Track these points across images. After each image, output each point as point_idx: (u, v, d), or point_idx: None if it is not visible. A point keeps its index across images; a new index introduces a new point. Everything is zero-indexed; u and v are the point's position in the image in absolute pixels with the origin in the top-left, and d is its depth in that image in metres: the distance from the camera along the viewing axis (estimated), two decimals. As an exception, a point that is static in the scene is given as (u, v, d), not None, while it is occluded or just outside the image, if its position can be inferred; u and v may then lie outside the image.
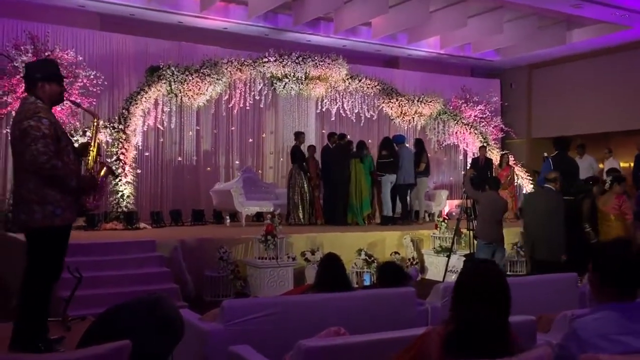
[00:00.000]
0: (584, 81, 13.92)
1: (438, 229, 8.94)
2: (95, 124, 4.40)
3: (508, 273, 8.68)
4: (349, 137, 11.27)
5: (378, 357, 2.51)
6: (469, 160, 13.08)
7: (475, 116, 13.90)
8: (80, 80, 9.64)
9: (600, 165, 12.18)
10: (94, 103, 10.00)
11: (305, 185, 10.00)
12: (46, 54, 9.34)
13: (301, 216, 9.92)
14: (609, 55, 13.40)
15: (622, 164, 12.07)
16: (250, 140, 12.29)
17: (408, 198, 10.80)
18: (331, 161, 10.18)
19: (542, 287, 4.44)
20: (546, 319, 3.56)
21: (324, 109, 11.90)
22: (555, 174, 6.88)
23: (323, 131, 12.68)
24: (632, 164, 11.69)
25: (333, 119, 12.21)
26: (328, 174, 10.17)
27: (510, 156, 12.84)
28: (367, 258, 8.05)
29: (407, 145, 11.04)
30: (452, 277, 7.68)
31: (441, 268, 8.23)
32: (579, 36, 12.78)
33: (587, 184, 8.00)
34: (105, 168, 4.34)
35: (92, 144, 4.26)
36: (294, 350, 2.54)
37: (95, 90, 9.88)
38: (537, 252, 6.74)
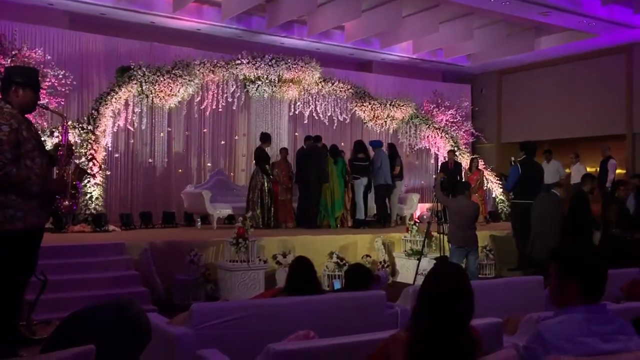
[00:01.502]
0: (552, 87, 14.19)
1: (409, 232, 9.00)
2: (63, 124, 4.36)
3: (478, 276, 8.78)
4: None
5: (347, 360, 2.52)
6: (440, 164, 13.23)
7: (446, 120, 14.07)
8: (48, 79, 9.46)
9: (567, 170, 12.44)
10: (63, 103, 9.84)
11: (267, 188, 9.92)
12: (13, 52, 9.15)
13: (259, 219, 9.67)
14: (576, 62, 13.70)
15: (588, 169, 12.32)
16: (223, 142, 12.21)
17: (387, 201, 10.89)
18: (305, 163, 10.16)
19: (510, 289, 4.51)
20: (513, 321, 3.61)
21: (296, 112, 11.90)
22: (563, 180, 7.37)
23: (296, 134, 12.69)
24: (598, 169, 11.97)
25: (306, 121, 12.21)
26: (302, 176, 10.15)
27: (479, 160, 13.01)
28: (339, 261, 8.06)
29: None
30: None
31: (412, 271, 8.28)
32: (547, 43, 13.04)
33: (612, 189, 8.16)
34: (79, 170, 4.30)
35: (62, 145, 4.21)
36: (263, 354, 2.53)
37: (64, 90, 9.71)
38: (535, 252, 7.04)
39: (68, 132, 4.41)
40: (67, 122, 4.41)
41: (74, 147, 4.50)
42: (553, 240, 7.01)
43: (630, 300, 4.01)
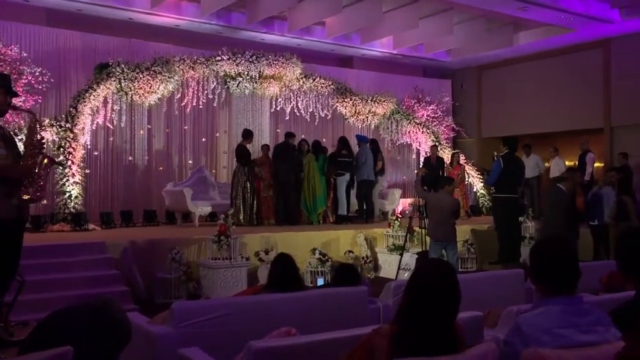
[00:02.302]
0: (531, 82, 14.32)
1: (391, 227, 9.03)
2: (33, 120, 4.40)
3: (460, 270, 8.85)
4: (303, 136, 11.26)
5: (328, 356, 2.51)
6: (422, 159, 13.29)
7: (427, 116, 14.13)
8: (24, 77, 9.31)
9: (546, 164, 12.58)
10: (40, 101, 9.69)
11: (249, 185, 9.82)
12: (-12, 49, 9.00)
13: (241, 217, 9.61)
14: (554, 57, 13.84)
15: (567, 163, 12.48)
16: (204, 139, 12.13)
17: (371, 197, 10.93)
18: (276, 160, 10.10)
19: (491, 283, 4.55)
20: (494, 314, 3.63)
21: (278, 108, 11.86)
22: (569, 174, 8.11)
23: (277, 130, 12.65)
24: (576, 163, 12.11)
25: (287, 118, 12.18)
26: (274, 173, 10.10)
27: (460, 155, 13.10)
28: (322, 257, 8.07)
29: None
30: (405, 275, 7.79)
31: (394, 266, 8.32)
32: (526, 39, 13.16)
33: None
34: (46, 159, 4.29)
35: (30, 140, 4.23)
36: (244, 351, 2.51)
37: (40, 87, 9.56)
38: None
39: (41, 129, 4.46)
40: (38, 120, 4.44)
41: (44, 142, 4.46)
42: (559, 230, 7.33)
43: (608, 292, 4.06)
